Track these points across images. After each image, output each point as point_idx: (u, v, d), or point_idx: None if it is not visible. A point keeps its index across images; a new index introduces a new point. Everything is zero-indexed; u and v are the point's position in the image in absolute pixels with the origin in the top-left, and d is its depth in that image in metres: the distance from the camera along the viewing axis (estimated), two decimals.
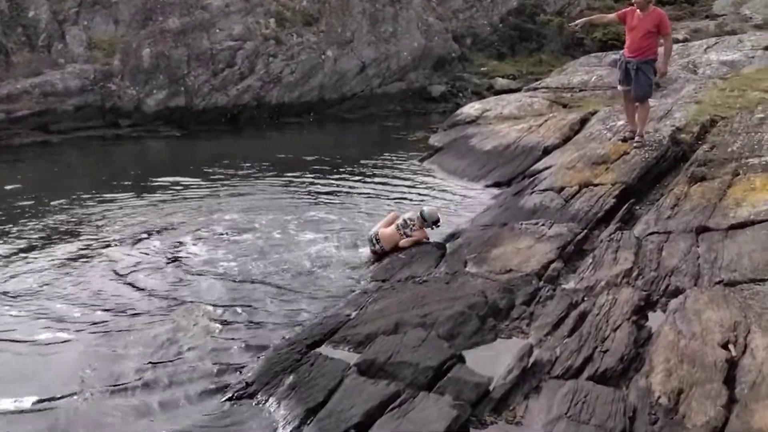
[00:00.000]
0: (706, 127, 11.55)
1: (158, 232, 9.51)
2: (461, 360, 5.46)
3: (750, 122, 11.42)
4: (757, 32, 22.11)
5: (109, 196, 11.39)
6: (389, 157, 15.01)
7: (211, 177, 12.99)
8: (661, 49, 10.24)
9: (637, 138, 10.63)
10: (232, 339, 6.31)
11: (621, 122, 12.35)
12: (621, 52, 10.61)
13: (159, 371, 5.76)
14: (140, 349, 6.17)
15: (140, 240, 9.17)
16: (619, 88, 10.84)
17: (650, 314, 6.37)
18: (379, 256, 8.38)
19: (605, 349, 5.54)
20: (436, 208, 8.92)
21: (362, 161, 14.35)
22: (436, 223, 8.53)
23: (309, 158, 14.69)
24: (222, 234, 9.42)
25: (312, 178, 12.95)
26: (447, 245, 8.53)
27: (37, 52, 17.60)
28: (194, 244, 8.98)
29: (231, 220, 10.04)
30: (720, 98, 13.46)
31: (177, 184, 12.27)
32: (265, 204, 10.95)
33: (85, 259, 8.47)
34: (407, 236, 8.32)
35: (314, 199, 11.39)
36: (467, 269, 7.46)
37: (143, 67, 18.29)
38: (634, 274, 7.05)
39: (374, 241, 8.37)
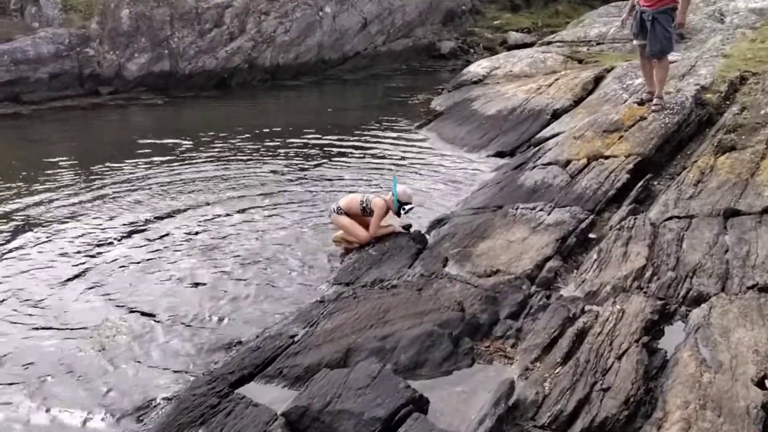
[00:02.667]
0: (735, 85, 10.07)
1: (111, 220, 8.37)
2: (421, 405, 4.26)
3: None
4: None
5: (65, 177, 10.20)
6: (386, 124, 13.68)
7: (188, 149, 11.77)
8: None
9: (655, 100, 9.22)
10: (151, 366, 5.16)
11: (639, 80, 10.94)
12: (637, 0, 9.12)
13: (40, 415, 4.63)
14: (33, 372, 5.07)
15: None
16: (635, 42, 9.39)
17: (666, 329, 5.15)
18: (346, 242, 7.23)
19: (606, 387, 4.32)
20: (412, 190, 7.50)
21: (356, 130, 13.03)
22: (404, 205, 7.08)
23: (300, 126, 13.38)
24: (175, 217, 8.30)
25: (298, 149, 11.68)
26: (429, 236, 7.28)
27: (9, 16, 16.37)
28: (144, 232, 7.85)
29: (190, 204, 8.87)
30: (750, 51, 11.91)
31: (149, 160, 11.05)
32: (239, 183, 9.75)
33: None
34: (366, 212, 7.05)
35: (298, 174, 10.16)
36: (446, 270, 6.22)
37: (123, 29, 17.00)
38: (648, 274, 5.80)
39: (335, 209, 7.19)
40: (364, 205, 7.03)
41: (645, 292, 5.52)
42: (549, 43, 17.70)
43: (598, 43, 16.70)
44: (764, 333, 4.68)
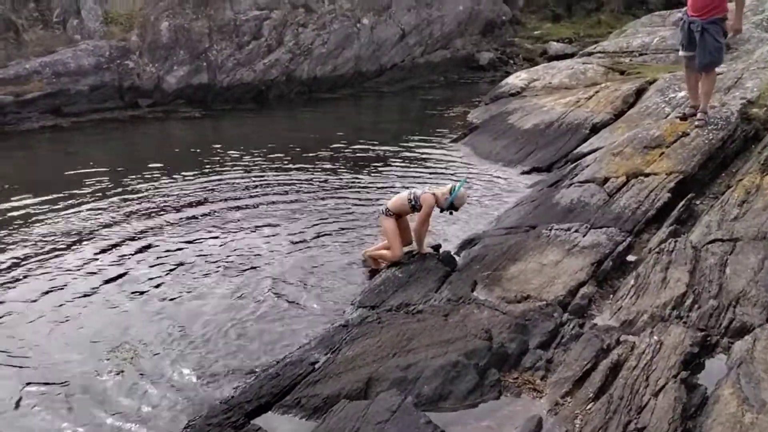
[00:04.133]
0: None
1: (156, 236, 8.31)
2: None
3: None
4: None
5: (99, 190, 10.21)
6: (422, 138, 13.48)
7: (224, 163, 11.72)
8: (731, 5, 8.39)
9: (699, 115, 8.85)
10: (167, 391, 5.03)
11: (682, 93, 10.59)
12: (684, 9, 8.77)
13: None
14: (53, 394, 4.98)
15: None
16: (681, 53, 9.03)
17: (707, 362, 4.85)
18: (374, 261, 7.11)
19: (641, 426, 4.06)
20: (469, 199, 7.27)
21: (391, 144, 12.84)
22: (454, 208, 6.95)
23: (334, 141, 13.26)
24: (216, 236, 8.22)
25: (332, 164, 11.55)
26: (459, 257, 7.05)
27: (51, 29, 16.60)
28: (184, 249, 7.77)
29: (218, 220, 8.80)
30: None
31: (184, 174, 10.99)
32: (271, 198, 9.63)
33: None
34: (415, 208, 6.87)
35: (330, 189, 10.04)
36: (475, 294, 5.99)
37: (162, 42, 17.11)
38: (688, 302, 5.49)
39: (384, 210, 7.03)
40: (413, 202, 6.86)
41: (685, 322, 5.22)
42: (590, 53, 17.32)
43: (640, 54, 16.27)
44: None
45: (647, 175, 8.03)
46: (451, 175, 10.52)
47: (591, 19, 26.06)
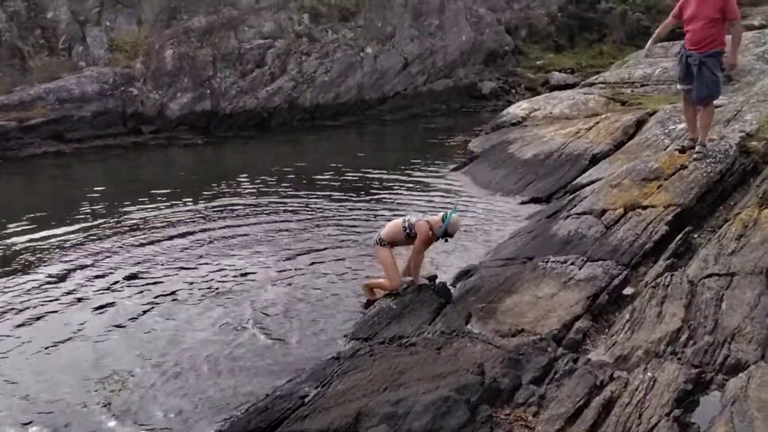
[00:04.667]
0: None
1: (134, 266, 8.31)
2: None
3: None
4: None
5: (97, 218, 10.20)
6: (422, 167, 13.53)
7: (224, 190, 11.75)
8: (728, 38, 8.42)
9: (697, 148, 8.84)
10: (156, 424, 4.98)
11: (682, 125, 10.58)
12: (682, 42, 8.81)
13: None
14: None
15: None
16: (678, 87, 9.08)
17: (701, 399, 4.79)
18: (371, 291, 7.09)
19: None
20: (463, 225, 7.21)
21: (391, 173, 12.89)
22: (449, 235, 6.85)
23: (335, 169, 13.32)
24: (209, 263, 8.20)
25: (331, 192, 11.56)
26: (454, 288, 7.02)
27: (57, 56, 16.78)
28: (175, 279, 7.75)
29: (214, 247, 8.79)
30: None
31: (183, 201, 11.04)
32: (270, 226, 9.64)
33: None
34: (410, 237, 6.83)
35: (328, 217, 10.04)
36: (469, 327, 5.95)
37: (166, 69, 17.28)
38: (683, 337, 5.44)
39: (378, 240, 7.00)
40: (408, 230, 6.82)
41: (679, 358, 5.17)
42: (591, 84, 17.42)
43: (642, 85, 16.37)
44: None
45: (645, 207, 8.00)
46: (449, 203, 10.51)
47: (593, 49, 26.20)
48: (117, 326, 6.59)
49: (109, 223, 9.87)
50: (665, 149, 10.04)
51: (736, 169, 8.61)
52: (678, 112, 11.34)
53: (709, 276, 6.34)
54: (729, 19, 8.17)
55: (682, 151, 9.11)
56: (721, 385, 4.87)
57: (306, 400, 4.97)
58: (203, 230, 9.52)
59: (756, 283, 6.06)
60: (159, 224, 9.78)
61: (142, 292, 7.39)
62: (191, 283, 7.57)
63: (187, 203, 10.83)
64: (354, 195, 11.29)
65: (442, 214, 6.86)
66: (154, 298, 7.21)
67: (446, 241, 7.04)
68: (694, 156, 8.79)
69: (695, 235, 7.51)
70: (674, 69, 8.84)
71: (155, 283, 7.63)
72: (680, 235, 7.33)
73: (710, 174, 8.40)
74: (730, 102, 11.36)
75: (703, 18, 8.18)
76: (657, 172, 8.71)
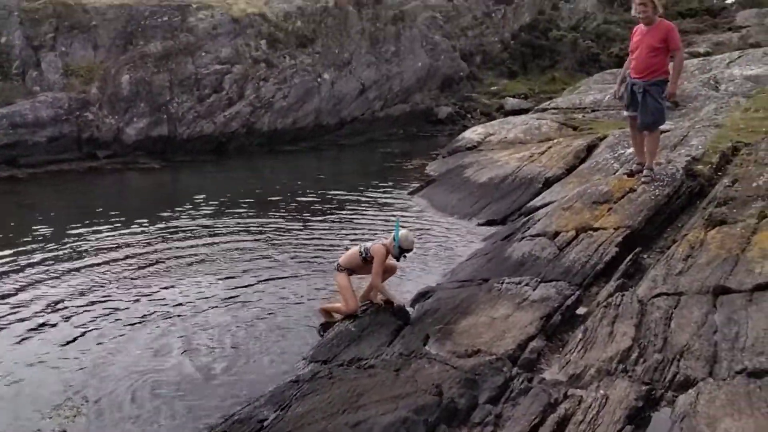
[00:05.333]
0: (727, 156, 10.01)
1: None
2: None
3: None
4: None
5: (50, 244, 10.07)
6: (379, 191, 13.67)
7: (181, 215, 11.70)
8: (671, 66, 8.75)
9: (645, 171, 9.13)
10: None
11: (631, 150, 10.88)
12: (627, 71, 9.12)
13: None
14: None
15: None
16: (625, 113, 9.39)
17: (653, 416, 4.93)
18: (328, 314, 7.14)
19: None
20: (414, 236, 7.38)
21: (349, 196, 13.03)
22: (406, 252, 6.98)
23: (293, 193, 13.43)
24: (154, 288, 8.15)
25: (288, 216, 11.64)
26: (412, 310, 7.12)
27: (10, 80, 16.56)
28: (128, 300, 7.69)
29: (171, 273, 8.75)
30: (743, 121, 11.91)
31: (138, 227, 10.96)
32: (226, 250, 9.66)
33: None
34: (367, 261, 6.92)
35: (285, 242, 10.07)
36: (426, 348, 6.05)
37: (122, 94, 17.19)
38: (634, 356, 5.60)
39: (336, 267, 7.11)
40: (364, 255, 6.92)
41: (630, 376, 5.32)
42: (544, 109, 17.82)
43: (593, 110, 16.80)
44: (752, 424, 4.47)
45: (596, 229, 8.22)
46: (409, 227, 10.60)
47: (546, 75, 26.84)
48: (74, 352, 6.54)
49: (64, 248, 9.75)
50: (615, 173, 10.34)
51: (683, 191, 8.89)
52: (627, 137, 11.67)
53: (659, 295, 6.54)
54: (671, 49, 8.47)
55: (631, 174, 9.39)
56: (671, 402, 5.02)
57: (265, 423, 5.00)
58: (161, 253, 9.50)
59: (703, 302, 6.26)
60: (116, 249, 9.71)
61: (98, 318, 7.33)
62: (150, 308, 7.55)
63: (143, 225, 10.80)
64: (312, 218, 11.38)
65: (392, 234, 6.98)
66: (112, 323, 7.17)
67: (405, 257, 7.12)
68: (642, 180, 9.06)
69: (645, 256, 7.73)
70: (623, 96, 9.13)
71: (114, 309, 7.57)
72: (630, 256, 7.54)
73: (658, 197, 8.66)
74: (677, 127, 11.76)
75: (647, 47, 8.47)
76: (607, 195, 8.96)
